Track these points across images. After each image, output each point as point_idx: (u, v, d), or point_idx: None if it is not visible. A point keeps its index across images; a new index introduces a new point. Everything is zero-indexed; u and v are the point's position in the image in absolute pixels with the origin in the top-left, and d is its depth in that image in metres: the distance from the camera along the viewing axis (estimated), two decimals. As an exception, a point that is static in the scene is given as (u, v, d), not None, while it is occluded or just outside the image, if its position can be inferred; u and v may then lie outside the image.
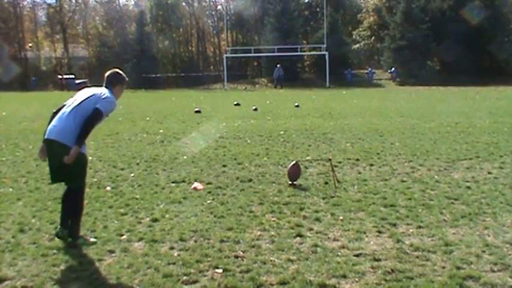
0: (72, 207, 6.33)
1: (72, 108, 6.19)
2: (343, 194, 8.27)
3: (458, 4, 58.08)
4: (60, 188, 9.00)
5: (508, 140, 13.74)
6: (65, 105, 6.36)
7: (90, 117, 6.06)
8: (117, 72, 6.65)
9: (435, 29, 57.79)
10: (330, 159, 10.00)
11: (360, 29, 74.12)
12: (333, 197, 8.11)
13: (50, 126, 6.23)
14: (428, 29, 58.23)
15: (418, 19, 58.91)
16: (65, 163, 6.02)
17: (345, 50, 64.38)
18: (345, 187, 8.79)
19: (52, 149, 6.18)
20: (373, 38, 71.61)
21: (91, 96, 6.27)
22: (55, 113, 6.35)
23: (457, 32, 54.60)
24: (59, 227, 6.26)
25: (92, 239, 6.32)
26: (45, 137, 6.23)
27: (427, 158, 11.38)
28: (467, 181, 9.09)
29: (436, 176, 9.54)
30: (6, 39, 73.49)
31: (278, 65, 55.81)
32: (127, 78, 6.66)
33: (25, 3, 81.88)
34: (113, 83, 6.50)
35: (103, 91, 6.35)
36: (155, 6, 79.69)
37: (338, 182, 9.04)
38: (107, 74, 6.56)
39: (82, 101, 6.22)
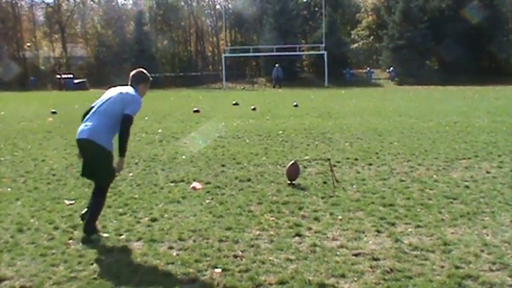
0: (94, 203, 6.53)
1: (101, 108, 6.56)
2: (342, 194, 8.27)
3: (457, 3, 58.13)
4: (59, 188, 9.03)
5: (506, 140, 13.75)
6: (94, 106, 6.71)
7: (123, 125, 6.36)
8: (142, 72, 6.92)
9: (434, 28, 57.80)
10: (328, 159, 10.00)
11: (359, 29, 74.14)
12: (332, 196, 8.11)
13: (81, 126, 6.56)
14: (427, 28, 58.26)
15: (417, 19, 58.95)
16: (94, 162, 6.51)
17: (343, 50, 64.38)
18: (344, 187, 8.79)
19: (84, 148, 6.54)
20: (371, 37, 71.63)
21: (117, 95, 6.60)
22: (85, 114, 6.73)
23: (456, 32, 54.65)
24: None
25: (105, 235, 6.44)
26: (77, 137, 6.54)
27: (425, 158, 11.38)
28: (466, 180, 9.10)
29: (434, 176, 9.54)
30: (5, 39, 73.53)
31: (277, 65, 55.79)
32: (151, 78, 6.92)
33: (23, 3, 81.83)
34: (138, 82, 6.78)
35: (129, 90, 6.64)
36: (154, 6, 79.73)
37: (337, 181, 9.05)
38: (132, 73, 6.86)
39: (109, 101, 6.58)
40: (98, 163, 6.52)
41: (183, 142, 14.36)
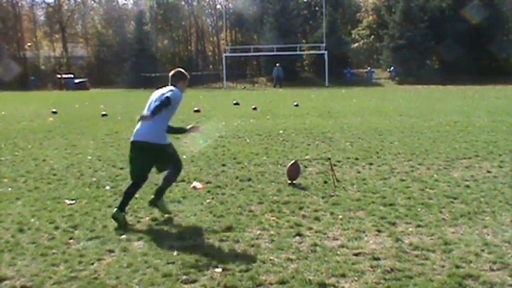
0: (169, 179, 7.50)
1: (148, 110, 7.06)
2: (343, 193, 8.27)
3: (457, 3, 58.07)
4: (60, 188, 9.03)
5: (507, 139, 13.75)
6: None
7: (161, 102, 6.87)
8: (180, 71, 7.54)
9: (434, 28, 57.79)
10: (329, 159, 10.00)
11: (359, 28, 74.12)
12: (332, 196, 8.11)
13: (136, 129, 7.18)
14: (427, 28, 58.25)
15: (417, 18, 58.93)
16: (161, 154, 7.18)
17: (344, 49, 64.36)
18: (344, 186, 8.79)
19: (137, 149, 7.14)
20: (372, 37, 71.62)
21: (159, 96, 7.17)
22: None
23: (456, 31, 54.62)
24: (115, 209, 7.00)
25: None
26: (132, 139, 7.17)
27: (426, 157, 11.38)
28: (467, 180, 9.10)
29: (435, 175, 9.54)
30: (5, 38, 73.56)
31: (277, 65, 55.79)
32: (189, 76, 7.42)
33: (24, 2, 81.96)
34: (177, 81, 7.39)
35: (170, 88, 7.21)
36: (154, 6, 79.74)
37: (337, 181, 9.05)
38: (171, 73, 7.49)
39: (154, 101, 7.15)
40: (164, 154, 7.23)
41: (183, 142, 14.35)
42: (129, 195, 7.13)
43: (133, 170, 7.27)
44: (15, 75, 65.02)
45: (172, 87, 7.20)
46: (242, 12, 75.73)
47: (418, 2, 60.26)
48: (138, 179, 7.23)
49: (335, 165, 10.48)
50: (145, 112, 7.04)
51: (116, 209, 6.94)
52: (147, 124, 6.97)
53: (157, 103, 6.91)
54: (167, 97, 6.89)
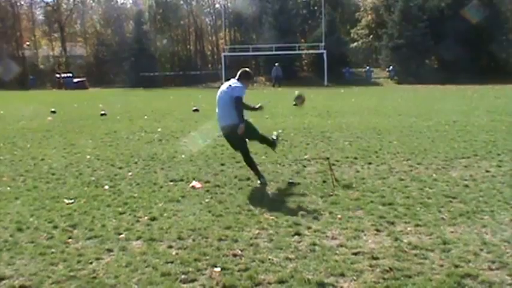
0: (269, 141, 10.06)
1: (221, 100, 9.26)
2: (341, 193, 8.27)
3: (456, 3, 58.12)
4: (58, 187, 9.02)
5: (505, 139, 13.75)
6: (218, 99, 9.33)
7: (237, 104, 8.97)
8: (246, 71, 9.56)
9: (433, 27, 57.85)
10: (327, 158, 10.01)
11: (358, 28, 74.19)
12: (331, 195, 8.11)
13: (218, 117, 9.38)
14: (426, 27, 58.32)
15: (416, 18, 59.02)
16: (239, 136, 9.13)
17: (343, 49, 64.38)
18: (343, 185, 8.80)
19: (226, 132, 9.36)
20: (371, 36, 71.70)
21: (228, 87, 9.22)
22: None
23: (455, 31, 54.65)
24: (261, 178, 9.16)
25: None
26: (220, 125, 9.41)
27: (425, 157, 11.38)
28: (465, 179, 9.10)
29: (434, 175, 9.55)
30: (4, 38, 73.49)
31: (276, 64, 55.78)
32: (254, 77, 8.23)
33: (22, 2, 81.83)
34: (242, 79, 9.38)
35: (236, 82, 9.28)
36: (153, 5, 79.68)
37: (336, 180, 9.05)
38: (239, 72, 9.48)
39: (224, 93, 9.22)
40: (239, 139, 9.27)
41: (182, 141, 14.35)
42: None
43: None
44: (14, 75, 64.96)
45: (238, 83, 9.26)
46: (241, 12, 75.71)
47: (417, 2, 60.37)
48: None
49: (334, 164, 10.48)
50: (219, 105, 9.28)
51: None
52: (226, 116, 9.18)
53: (236, 107, 8.96)
54: (238, 97, 8.96)
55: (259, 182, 9.05)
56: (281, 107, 25.63)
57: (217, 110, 9.35)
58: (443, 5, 60.83)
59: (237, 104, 8.91)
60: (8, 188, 9.03)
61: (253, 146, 12.82)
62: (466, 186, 8.61)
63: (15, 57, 72.40)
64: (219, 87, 9.80)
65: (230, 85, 9.18)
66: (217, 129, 9.95)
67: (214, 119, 10.22)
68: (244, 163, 9.52)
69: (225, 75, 59.32)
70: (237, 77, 9.34)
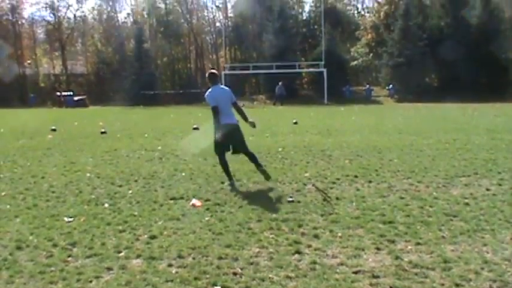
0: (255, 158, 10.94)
1: (223, 101, 10.44)
2: (342, 211, 8.26)
3: (455, 22, 58.40)
4: (58, 205, 9.01)
5: (506, 157, 13.74)
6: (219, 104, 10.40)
7: (239, 107, 10.94)
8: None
9: (433, 46, 58.03)
10: (313, 184, 10.12)
11: (358, 46, 74.40)
12: (331, 213, 8.10)
13: (229, 116, 10.53)
14: (426, 46, 58.49)
15: (416, 36, 59.23)
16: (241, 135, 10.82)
17: (343, 67, 64.52)
18: (344, 204, 8.78)
19: (234, 128, 10.63)
20: (371, 54, 71.87)
21: (226, 90, 10.78)
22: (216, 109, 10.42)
23: (455, 49, 54.80)
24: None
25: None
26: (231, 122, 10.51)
27: (425, 175, 11.37)
28: (466, 198, 9.09)
29: (434, 193, 9.53)
30: (5, 56, 73.75)
31: (280, 83, 56.00)
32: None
33: (24, 20, 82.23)
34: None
35: (225, 87, 11.02)
36: (154, 23, 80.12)
37: (329, 197, 9.08)
38: (216, 76, 10.88)
39: (224, 95, 10.57)
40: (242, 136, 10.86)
41: (182, 155, 14.35)
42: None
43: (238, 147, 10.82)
44: (15, 93, 65.16)
45: (226, 88, 10.95)
46: (241, 30, 76.06)
47: (417, 21, 60.61)
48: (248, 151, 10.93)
49: (334, 182, 10.53)
50: (225, 107, 10.40)
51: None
52: (232, 115, 10.59)
53: (238, 110, 10.86)
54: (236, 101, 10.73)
55: (228, 183, 10.56)
56: (281, 125, 25.66)
57: (219, 109, 10.33)
58: (443, 24, 61.09)
59: (238, 106, 10.93)
60: (8, 206, 9.01)
61: (253, 165, 12.86)
62: (467, 204, 8.60)
63: (16, 76, 72.65)
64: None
65: (224, 88, 10.88)
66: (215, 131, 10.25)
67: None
68: (254, 164, 10.93)
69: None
70: (218, 82, 10.84)
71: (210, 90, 10.57)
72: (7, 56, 71.22)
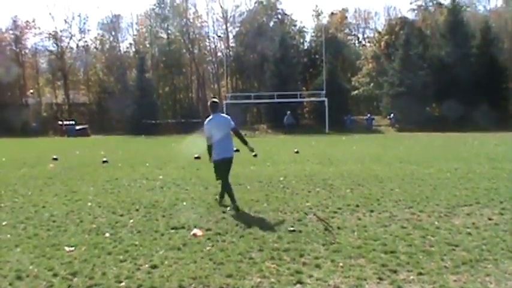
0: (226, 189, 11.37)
1: (222, 131, 11.09)
2: (343, 240, 8.23)
3: (455, 51, 58.75)
4: (59, 234, 8.99)
5: (507, 186, 13.72)
6: (215, 134, 11.11)
7: (239, 133, 11.67)
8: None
9: (433, 75, 58.41)
10: (314, 214, 10.13)
11: (359, 76, 74.87)
12: (333, 243, 8.07)
13: (224, 148, 11.20)
14: (427, 75, 58.87)
15: (416, 66, 59.57)
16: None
17: (344, 96, 64.79)
18: (345, 233, 8.75)
19: (230, 159, 11.41)
20: (372, 84, 72.23)
21: (226, 118, 11.36)
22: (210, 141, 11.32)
23: (455, 79, 55.09)
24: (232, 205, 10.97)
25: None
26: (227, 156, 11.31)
27: (427, 204, 11.35)
28: (468, 227, 9.06)
29: (436, 222, 9.50)
30: (8, 85, 74.19)
31: (288, 112, 56.50)
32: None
33: (27, 50, 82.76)
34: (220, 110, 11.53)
35: (224, 115, 11.62)
36: (156, 53, 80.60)
37: (330, 227, 9.05)
38: (216, 104, 11.41)
39: (223, 124, 11.20)
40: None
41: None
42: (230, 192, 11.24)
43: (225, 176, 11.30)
44: (17, 122, 65.36)
45: (225, 115, 11.46)
46: (243, 60, 76.48)
47: (417, 50, 61.01)
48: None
49: (335, 212, 10.50)
50: (219, 134, 11.02)
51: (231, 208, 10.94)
52: (231, 143, 11.30)
53: (239, 136, 11.59)
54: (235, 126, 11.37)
55: (231, 207, 11.06)
56: (283, 155, 25.68)
57: (216, 140, 11.09)
58: (443, 54, 61.47)
59: (237, 131, 11.55)
60: (8, 236, 8.99)
61: (254, 194, 12.86)
62: (469, 234, 8.57)
63: (18, 105, 73.07)
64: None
65: (223, 116, 11.50)
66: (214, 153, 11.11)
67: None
68: (227, 192, 11.40)
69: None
70: (219, 110, 11.46)
71: (209, 118, 11.29)
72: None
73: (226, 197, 11.51)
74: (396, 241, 8.15)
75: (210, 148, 11.28)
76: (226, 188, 11.34)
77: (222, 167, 11.32)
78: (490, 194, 12.47)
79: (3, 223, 10.07)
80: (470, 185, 14.03)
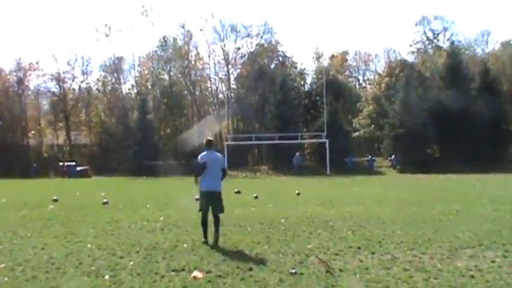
0: (217, 225, 12.00)
1: (214, 168, 12.07)
2: (345, 283, 8.14)
3: (456, 93, 59.09)
4: (58, 277, 8.91)
5: (510, 228, 13.66)
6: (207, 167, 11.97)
7: (225, 173, 12.51)
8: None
9: (434, 117, 58.64)
10: (316, 256, 10.10)
11: (360, 117, 75.22)
12: (335, 286, 7.99)
13: (209, 182, 12.07)
14: (427, 117, 59.06)
15: (417, 107, 59.80)
16: (218, 201, 12.11)
17: (345, 138, 64.86)
18: (347, 276, 8.67)
19: (216, 193, 12.15)
20: (372, 126, 72.53)
21: (220, 157, 12.47)
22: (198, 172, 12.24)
23: (456, 120, 55.30)
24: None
25: None
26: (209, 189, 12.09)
27: (429, 246, 11.28)
28: (471, 270, 8.98)
29: (438, 265, 9.43)
30: (10, 127, 74.53)
31: (298, 153, 56.62)
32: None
33: (29, 92, 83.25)
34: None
35: (218, 154, 12.47)
36: (158, 95, 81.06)
37: (332, 269, 8.99)
38: (211, 142, 12.49)
39: (216, 162, 12.20)
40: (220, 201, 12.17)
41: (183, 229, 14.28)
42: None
43: (213, 209, 12.08)
44: (17, 163, 65.41)
45: (218, 153, 12.46)
46: (244, 101, 76.86)
47: (417, 92, 61.39)
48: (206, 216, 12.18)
49: (337, 254, 10.44)
50: (210, 170, 11.93)
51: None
52: (219, 180, 12.14)
53: (224, 175, 12.36)
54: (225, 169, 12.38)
55: (203, 241, 12.00)
56: (284, 196, 25.64)
57: (206, 173, 12.00)
58: (443, 95, 61.79)
59: (225, 173, 12.59)
60: (6, 279, 8.91)
61: (255, 236, 12.82)
62: (472, 276, 8.49)
63: (19, 146, 73.27)
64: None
65: (216, 154, 12.43)
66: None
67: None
68: (202, 225, 12.24)
69: (227, 164, 59.57)
70: (213, 148, 12.54)
71: (204, 153, 12.31)
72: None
73: (221, 230, 12.22)
74: (399, 283, 8.07)
75: (197, 176, 12.31)
76: (202, 221, 12.17)
77: (205, 200, 12.08)
78: (492, 236, 12.40)
79: (1, 265, 9.99)
80: (472, 227, 13.96)
